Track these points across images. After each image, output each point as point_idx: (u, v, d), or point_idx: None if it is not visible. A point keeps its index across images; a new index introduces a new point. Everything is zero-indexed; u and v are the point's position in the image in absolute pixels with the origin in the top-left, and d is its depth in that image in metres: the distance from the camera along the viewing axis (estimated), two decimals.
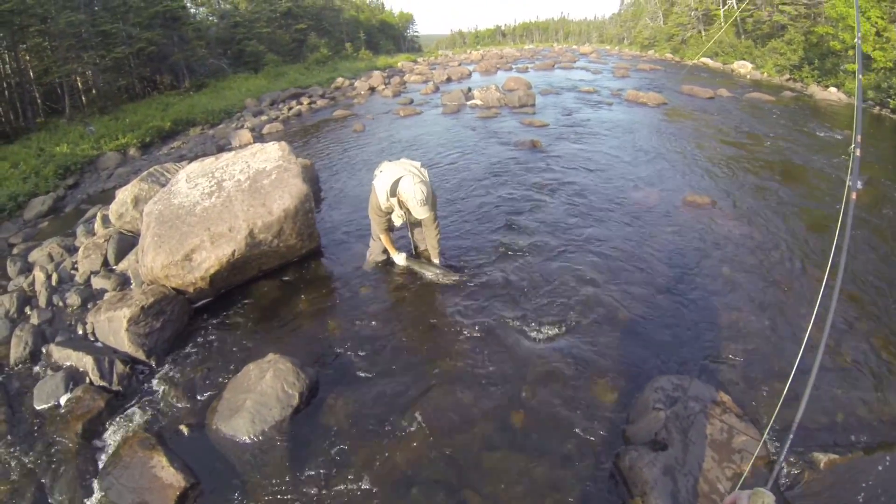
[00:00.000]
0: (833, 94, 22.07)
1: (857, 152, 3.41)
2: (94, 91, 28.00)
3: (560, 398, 4.25)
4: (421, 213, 5.32)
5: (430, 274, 6.09)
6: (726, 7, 46.17)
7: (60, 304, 6.65)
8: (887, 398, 4.26)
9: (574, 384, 4.40)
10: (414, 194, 5.18)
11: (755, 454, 3.43)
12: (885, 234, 7.30)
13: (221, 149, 16.18)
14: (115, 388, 4.90)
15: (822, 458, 3.57)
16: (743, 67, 33.98)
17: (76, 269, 7.46)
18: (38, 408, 4.81)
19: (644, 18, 71.13)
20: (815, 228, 7.34)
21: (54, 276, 7.22)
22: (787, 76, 28.51)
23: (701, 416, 3.77)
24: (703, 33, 50.06)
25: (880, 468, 3.55)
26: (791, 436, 2.76)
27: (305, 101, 25.45)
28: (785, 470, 3.57)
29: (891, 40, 21.44)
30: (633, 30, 75.99)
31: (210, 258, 5.79)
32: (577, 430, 3.94)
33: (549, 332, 5.06)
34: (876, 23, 21.77)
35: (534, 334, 5.04)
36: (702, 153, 11.49)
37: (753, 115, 16.83)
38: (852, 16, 22.01)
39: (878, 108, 19.42)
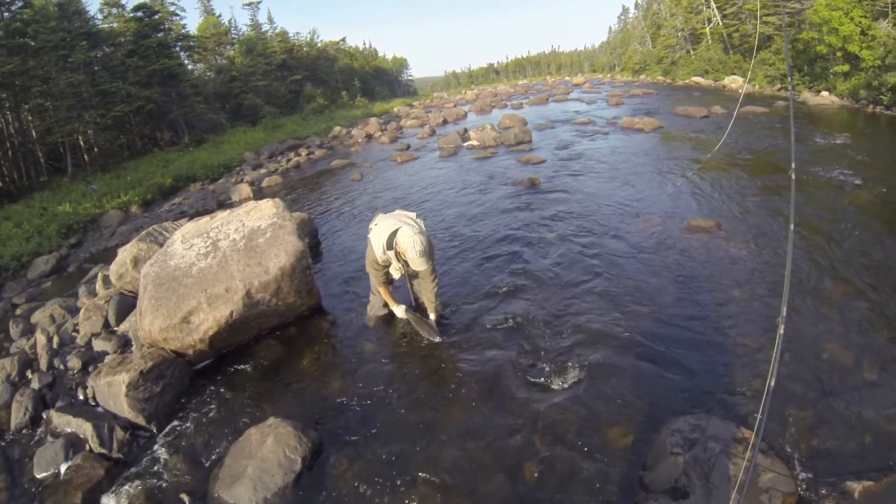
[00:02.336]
0: (825, 97, 22.53)
1: (793, 176, 3.38)
2: (95, 149, 28.51)
3: (572, 447, 4.12)
4: (419, 264, 5.23)
5: (423, 333, 5.95)
6: (711, 24, 46.96)
7: (61, 366, 6.65)
8: None
9: (586, 431, 4.26)
10: (413, 245, 5.11)
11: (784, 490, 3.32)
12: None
13: (222, 204, 16.37)
14: (115, 455, 4.83)
15: (857, 487, 3.38)
16: (734, 82, 34.50)
17: (77, 331, 7.46)
18: (38, 476, 4.76)
19: (633, 44, 72.58)
20: (823, 241, 7.24)
21: (55, 339, 7.22)
22: (779, 86, 28.94)
23: (722, 457, 3.57)
24: (692, 52, 50.82)
25: None
26: (760, 440, 2.65)
27: (304, 151, 25.77)
28: None
29: (877, 38, 21.84)
30: (623, 56, 77.41)
31: (208, 320, 5.78)
32: (591, 480, 3.80)
33: (557, 377, 4.94)
34: (860, 22, 22.21)
35: (541, 381, 4.93)
36: (701, 174, 11.49)
37: (749, 129, 16.93)
38: (836, 19, 22.60)
39: (871, 106, 19.76)
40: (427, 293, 5.91)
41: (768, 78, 30.49)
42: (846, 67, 22.92)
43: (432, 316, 6.05)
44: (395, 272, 5.75)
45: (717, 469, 3.52)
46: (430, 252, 5.39)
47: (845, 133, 14.68)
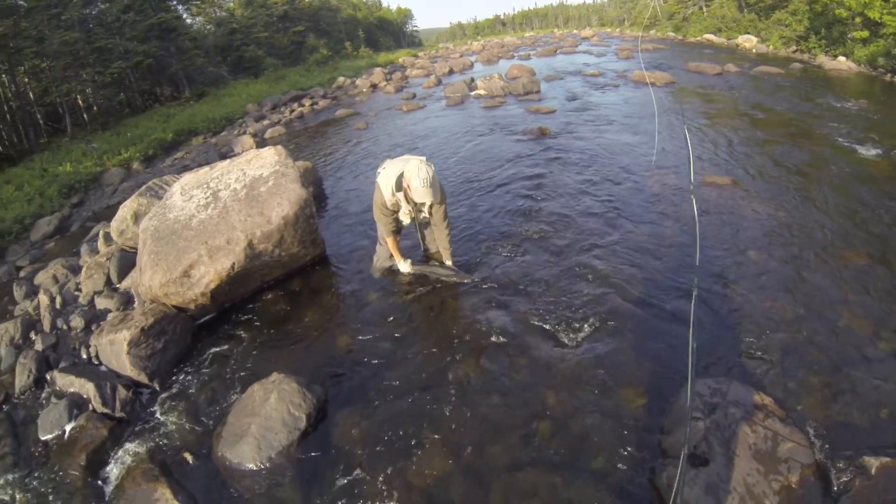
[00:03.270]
0: (842, 62, 21.90)
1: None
2: (94, 108, 28.29)
3: (587, 406, 3.95)
4: (425, 195, 4.88)
5: (443, 275, 5.78)
6: None
7: (64, 327, 6.52)
8: None
9: (601, 390, 4.08)
10: (418, 172, 4.79)
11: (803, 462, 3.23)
12: None
13: (224, 156, 16.10)
14: (118, 414, 4.72)
15: (874, 463, 3.25)
16: (748, 41, 33.57)
17: (80, 290, 7.32)
18: (42, 438, 4.67)
19: None
20: (842, 208, 6.98)
21: (58, 299, 7.09)
22: (794, 48, 28.08)
23: (743, 424, 3.47)
24: (705, 9, 49.66)
25: None
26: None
27: (307, 102, 25.39)
28: (835, 478, 3.27)
29: None
30: (633, 10, 75.93)
31: (209, 273, 5.57)
32: (606, 442, 3.63)
33: (572, 334, 4.73)
34: None
35: (556, 337, 4.72)
36: (716, 131, 11.13)
37: (764, 89, 16.46)
38: None
39: (888, 74, 19.13)
40: (441, 240, 5.70)
41: (783, 39, 29.67)
42: (865, 33, 22.09)
43: (449, 263, 5.86)
44: (405, 217, 5.50)
45: (737, 436, 3.42)
46: (439, 190, 5.13)
47: (862, 100, 14.20)
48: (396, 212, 5.43)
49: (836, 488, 3.23)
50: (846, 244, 6.01)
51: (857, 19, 22.51)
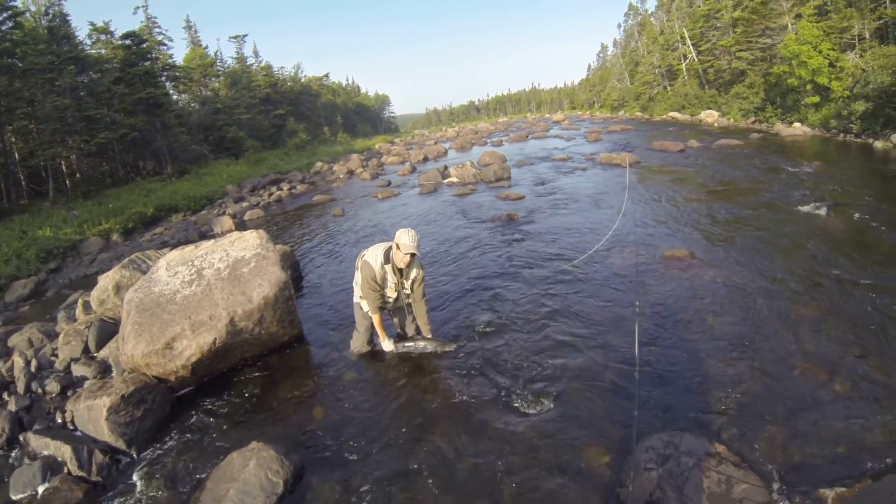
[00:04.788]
0: (798, 128, 23.41)
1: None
2: (77, 175, 28.46)
3: (551, 467, 4.21)
4: (413, 248, 5.51)
5: (426, 348, 6.15)
6: (687, 61, 48.43)
7: (39, 390, 6.60)
8: (887, 421, 4.26)
9: (564, 451, 4.37)
10: (407, 232, 5.55)
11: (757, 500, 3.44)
12: (872, 257, 7.65)
13: (203, 235, 16.42)
14: (93, 478, 4.84)
15: (829, 494, 3.50)
16: (710, 116, 35.68)
17: (56, 356, 7.42)
18: (13, 497, 4.72)
19: (611, 81, 74.34)
20: (796, 266, 7.60)
21: (33, 362, 7.17)
22: (753, 119, 29.99)
23: (696, 471, 3.67)
24: (669, 88, 52.18)
25: (892, 493, 3.46)
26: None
27: (285, 186, 25.99)
28: None
29: (845, 69, 22.86)
30: (602, 93, 79.10)
31: (191, 346, 5.86)
32: (569, 500, 3.89)
33: (536, 401, 5.06)
34: (828, 55, 23.21)
35: (521, 406, 5.04)
36: (676, 207, 11.90)
37: (724, 161, 17.52)
38: (805, 52, 23.60)
39: (841, 135, 20.56)
40: (421, 316, 6.19)
41: (742, 111, 31.49)
42: (816, 99, 23.84)
43: (428, 336, 6.29)
44: (391, 291, 5.93)
45: (690, 482, 3.62)
46: (419, 259, 5.90)
47: (816, 161, 15.33)
48: (384, 288, 5.88)
49: None
50: (800, 299, 6.53)
51: (809, 86, 24.19)
